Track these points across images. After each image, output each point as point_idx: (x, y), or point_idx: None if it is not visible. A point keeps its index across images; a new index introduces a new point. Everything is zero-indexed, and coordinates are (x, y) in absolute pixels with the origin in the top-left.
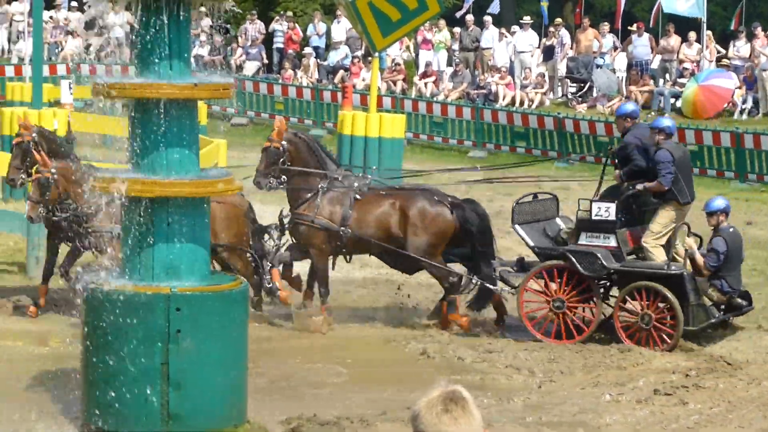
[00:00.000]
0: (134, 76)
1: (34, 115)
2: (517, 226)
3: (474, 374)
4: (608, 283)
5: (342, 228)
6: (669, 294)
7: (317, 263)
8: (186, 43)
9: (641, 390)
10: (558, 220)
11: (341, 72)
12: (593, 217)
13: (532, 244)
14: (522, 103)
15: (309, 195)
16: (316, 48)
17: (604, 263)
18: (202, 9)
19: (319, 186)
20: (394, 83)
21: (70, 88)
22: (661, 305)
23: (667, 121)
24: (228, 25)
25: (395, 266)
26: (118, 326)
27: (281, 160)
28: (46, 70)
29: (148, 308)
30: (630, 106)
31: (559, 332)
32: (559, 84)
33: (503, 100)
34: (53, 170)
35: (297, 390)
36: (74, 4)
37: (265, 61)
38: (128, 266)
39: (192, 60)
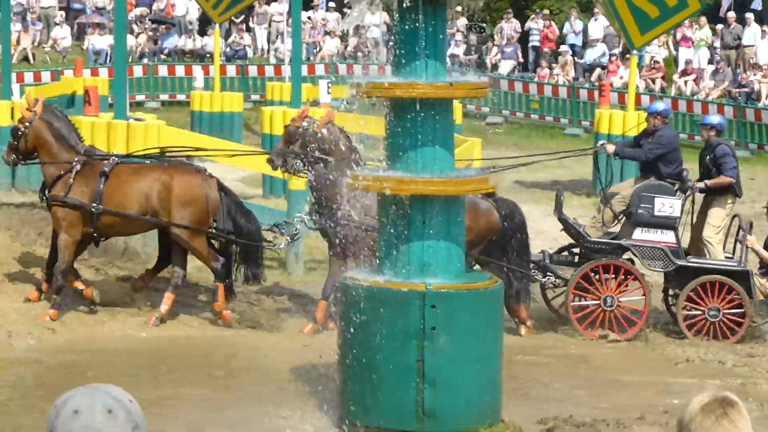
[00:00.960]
0: (390, 76)
1: (292, 114)
2: (565, 216)
3: (734, 378)
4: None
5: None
6: (740, 288)
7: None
8: (441, 43)
9: None
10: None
11: (598, 70)
12: (656, 213)
13: (587, 236)
14: None
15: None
16: (572, 46)
17: (673, 259)
18: (458, 8)
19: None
20: (653, 81)
21: (328, 87)
22: (729, 298)
23: (661, 105)
24: (483, 24)
25: None
26: (374, 322)
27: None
28: (304, 70)
29: (404, 305)
30: (661, 105)
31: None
32: None
33: (766, 98)
34: (27, 124)
35: (544, 391)
36: (332, 4)
37: (521, 59)
38: (384, 263)
39: (447, 59)
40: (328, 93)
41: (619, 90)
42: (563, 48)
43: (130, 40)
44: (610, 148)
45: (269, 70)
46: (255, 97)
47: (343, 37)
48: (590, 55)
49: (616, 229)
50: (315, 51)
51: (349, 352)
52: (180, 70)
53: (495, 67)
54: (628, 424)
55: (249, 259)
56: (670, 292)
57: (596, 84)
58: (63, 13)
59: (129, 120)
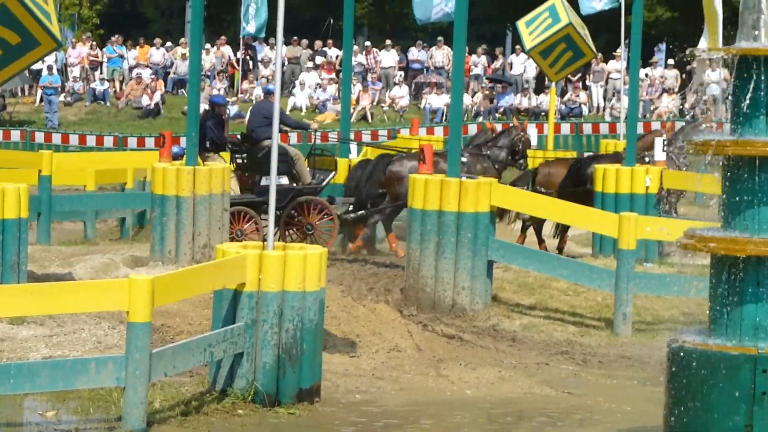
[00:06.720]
0: (728, 134)
1: (627, 172)
2: None
3: None
4: None
5: None
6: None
7: None
8: None
9: None
10: None
11: None
12: None
13: None
14: None
15: None
16: None
17: None
18: None
19: None
20: None
21: (663, 145)
22: None
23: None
24: None
25: None
26: (702, 386)
27: None
28: (640, 128)
29: (733, 368)
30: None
31: None
32: None
33: None
34: None
35: None
36: (671, 61)
37: None
38: (714, 324)
39: None
40: (664, 150)
41: None
42: None
43: (467, 99)
44: None
45: (604, 128)
46: (588, 154)
47: (681, 94)
48: None
49: None
50: (651, 108)
51: (676, 415)
52: None
53: None
54: None
55: None
56: None
57: None
58: (402, 73)
59: (462, 177)
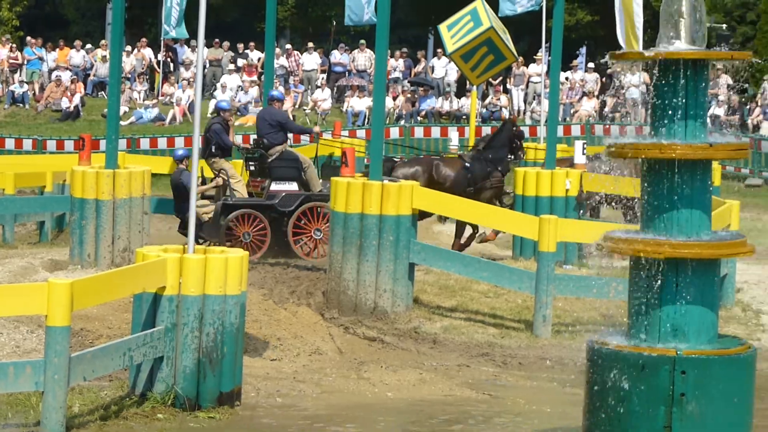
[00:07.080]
0: (647, 137)
1: (547, 175)
2: None
3: None
4: None
5: None
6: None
7: None
8: (702, 104)
9: None
10: None
11: None
12: None
13: None
14: None
15: None
16: None
17: None
18: (719, 67)
19: None
20: None
21: (583, 148)
22: None
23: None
24: (746, 85)
25: None
26: (621, 386)
27: None
28: (560, 131)
29: (652, 370)
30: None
31: None
32: None
33: None
34: None
35: None
36: (591, 65)
37: None
38: (633, 326)
39: (708, 120)
40: (583, 154)
41: None
42: None
43: (389, 102)
44: None
45: (524, 131)
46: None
47: (600, 97)
48: None
49: None
50: (571, 112)
51: (595, 415)
52: (436, 132)
53: (756, 127)
54: None
55: None
56: None
57: None
58: (324, 75)
59: (383, 180)
